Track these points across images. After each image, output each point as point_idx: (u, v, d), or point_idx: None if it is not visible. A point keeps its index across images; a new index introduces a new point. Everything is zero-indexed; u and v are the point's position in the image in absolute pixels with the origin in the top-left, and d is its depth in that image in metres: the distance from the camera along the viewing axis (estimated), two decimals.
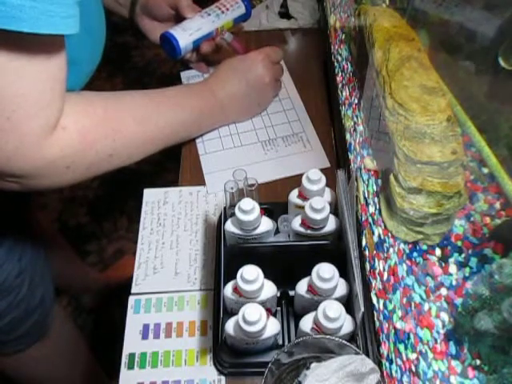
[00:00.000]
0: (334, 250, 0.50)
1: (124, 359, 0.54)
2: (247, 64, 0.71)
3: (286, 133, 0.74)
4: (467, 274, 0.39)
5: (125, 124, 0.57)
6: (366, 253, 0.50)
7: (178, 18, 0.78)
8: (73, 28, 0.43)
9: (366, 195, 0.52)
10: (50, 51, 0.44)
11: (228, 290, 0.48)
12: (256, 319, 0.43)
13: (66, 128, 0.49)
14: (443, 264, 0.40)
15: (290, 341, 0.52)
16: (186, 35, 0.76)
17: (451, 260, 0.40)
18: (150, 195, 0.68)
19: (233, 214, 0.51)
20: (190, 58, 0.82)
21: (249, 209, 0.49)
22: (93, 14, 0.57)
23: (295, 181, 0.59)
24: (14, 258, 0.70)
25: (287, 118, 0.76)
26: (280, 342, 0.52)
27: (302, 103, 0.78)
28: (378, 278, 0.47)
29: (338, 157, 0.69)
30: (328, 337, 0.42)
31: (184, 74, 0.84)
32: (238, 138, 0.73)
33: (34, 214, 1.03)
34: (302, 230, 0.52)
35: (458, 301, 0.38)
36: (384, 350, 0.44)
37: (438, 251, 0.42)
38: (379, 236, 0.48)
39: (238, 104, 0.72)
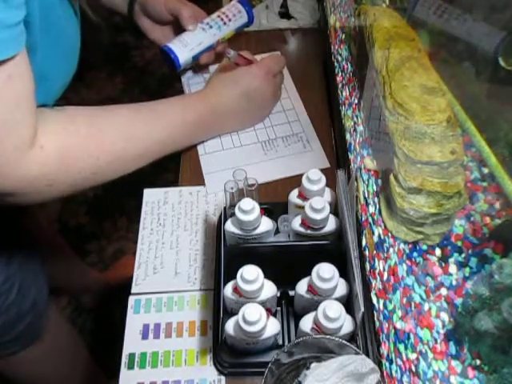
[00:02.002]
0: (334, 250, 0.50)
1: (124, 359, 0.54)
2: (248, 79, 0.68)
3: (286, 133, 0.74)
4: (467, 274, 0.39)
5: (110, 142, 0.55)
6: (366, 253, 0.50)
7: (178, 24, 0.76)
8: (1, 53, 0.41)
9: (366, 195, 0.52)
10: (7, 71, 0.43)
11: (228, 290, 0.48)
12: (256, 319, 0.43)
13: (45, 147, 0.48)
14: (443, 264, 0.40)
15: (289, 341, 0.52)
16: (186, 51, 0.74)
17: (451, 260, 0.40)
18: (150, 195, 0.68)
19: (233, 214, 0.51)
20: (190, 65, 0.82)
21: (249, 209, 0.49)
22: (60, 30, 0.56)
23: (295, 181, 0.59)
24: (0, 263, 0.69)
25: (287, 119, 0.76)
26: (280, 342, 0.52)
27: (301, 103, 0.78)
28: (378, 278, 0.47)
29: (338, 157, 0.69)
30: (328, 337, 0.42)
31: (184, 76, 0.84)
32: (237, 138, 0.73)
33: (33, 215, 1.03)
34: (302, 230, 0.52)
35: (458, 301, 0.38)
36: (384, 350, 0.44)
37: (437, 251, 0.42)
38: (379, 236, 0.48)
39: (235, 118, 0.71)
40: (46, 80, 0.50)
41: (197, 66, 0.81)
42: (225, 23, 0.77)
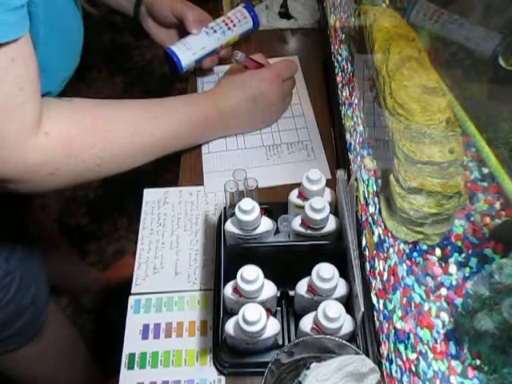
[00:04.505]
0: (334, 250, 0.50)
1: (124, 359, 0.54)
2: (256, 81, 0.68)
3: (292, 139, 0.73)
4: (467, 274, 0.39)
5: (116, 134, 0.56)
6: (366, 253, 0.50)
7: (183, 27, 0.76)
8: (2, 36, 0.42)
9: (366, 195, 0.52)
10: (10, 54, 0.43)
11: (228, 290, 0.48)
12: (256, 319, 0.43)
13: (49, 134, 0.49)
14: (443, 264, 0.40)
15: (289, 341, 0.52)
16: (189, 54, 0.74)
17: (451, 260, 0.40)
18: (150, 195, 0.68)
19: (233, 214, 0.51)
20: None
21: (249, 209, 0.49)
22: (62, 22, 0.56)
23: (296, 184, 0.59)
24: (0, 258, 0.69)
25: (295, 125, 0.75)
26: (280, 342, 0.52)
27: (312, 111, 0.77)
28: (378, 278, 0.47)
29: (338, 157, 0.69)
30: (328, 337, 0.42)
31: (199, 74, 0.83)
32: (242, 140, 0.73)
33: (34, 214, 1.03)
34: (302, 230, 0.52)
35: (458, 301, 0.38)
36: (384, 349, 0.44)
37: (437, 251, 0.42)
38: (379, 236, 0.48)
39: (241, 120, 0.70)
40: (48, 72, 0.50)
41: (200, 69, 0.81)
42: (229, 28, 0.77)
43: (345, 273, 0.49)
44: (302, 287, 0.48)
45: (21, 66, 0.45)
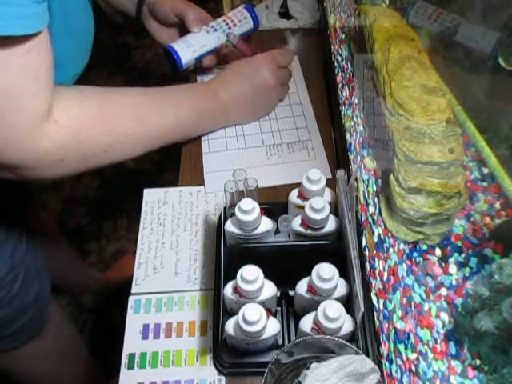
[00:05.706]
0: (334, 250, 0.50)
1: (124, 359, 0.54)
2: (252, 67, 0.70)
3: (292, 139, 0.73)
4: (467, 274, 0.39)
5: (121, 121, 0.57)
6: (366, 253, 0.50)
7: (185, 26, 0.76)
8: (29, 28, 0.43)
9: (366, 195, 0.52)
10: (28, 45, 0.44)
11: (228, 290, 0.48)
12: (256, 319, 0.43)
13: (59, 122, 0.50)
14: (443, 264, 0.40)
15: (289, 341, 0.52)
16: (189, 52, 0.75)
17: (451, 260, 0.40)
18: (150, 195, 0.68)
19: (233, 214, 0.51)
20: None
21: (249, 209, 0.49)
22: (76, 19, 0.58)
23: (295, 184, 0.59)
24: (5, 253, 0.70)
25: (295, 125, 0.75)
26: (280, 342, 0.52)
27: (312, 111, 0.77)
28: (378, 278, 0.47)
29: (338, 157, 0.69)
30: (328, 337, 0.42)
31: (199, 74, 0.84)
32: (243, 139, 0.73)
33: (35, 213, 1.03)
34: (302, 230, 0.52)
35: (458, 301, 0.38)
36: (384, 349, 0.44)
37: (437, 251, 0.42)
38: (379, 236, 0.48)
39: (241, 106, 0.71)
40: (58, 68, 0.51)
41: (200, 68, 0.81)
42: (229, 28, 0.78)
43: (345, 273, 0.49)
44: (301, 287, 0.48)
45: (36, 56, 0.46)
